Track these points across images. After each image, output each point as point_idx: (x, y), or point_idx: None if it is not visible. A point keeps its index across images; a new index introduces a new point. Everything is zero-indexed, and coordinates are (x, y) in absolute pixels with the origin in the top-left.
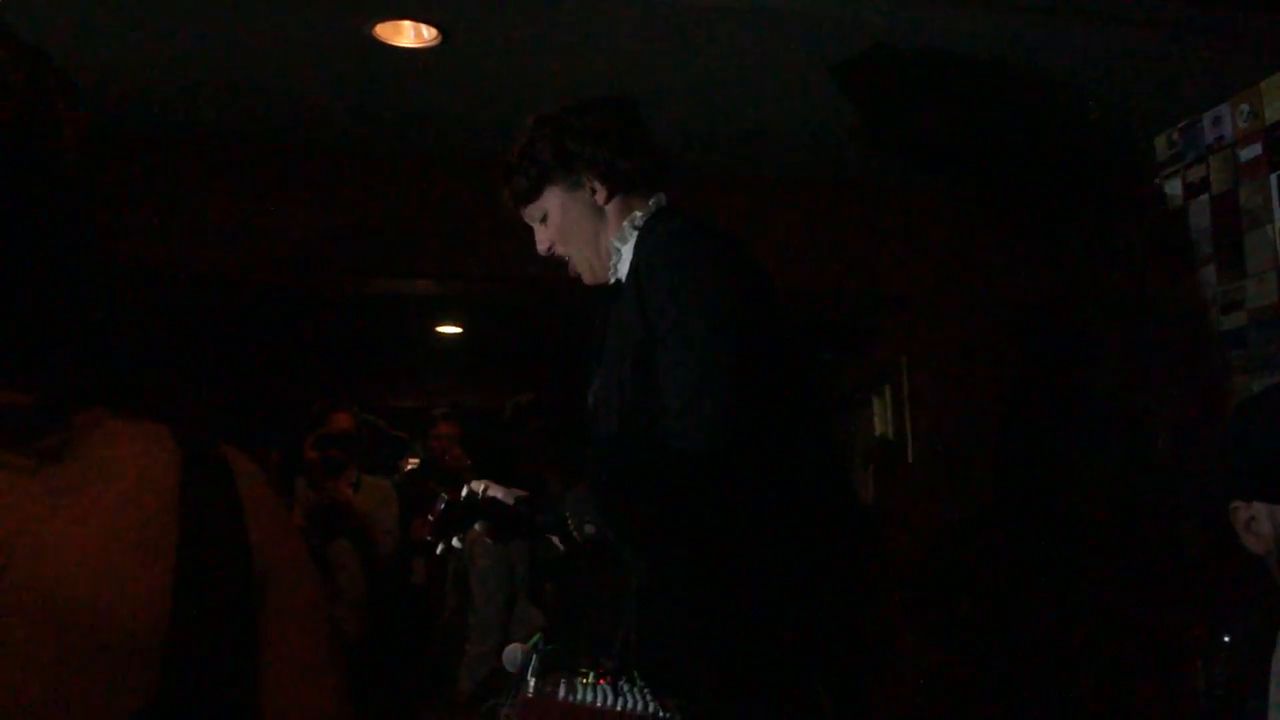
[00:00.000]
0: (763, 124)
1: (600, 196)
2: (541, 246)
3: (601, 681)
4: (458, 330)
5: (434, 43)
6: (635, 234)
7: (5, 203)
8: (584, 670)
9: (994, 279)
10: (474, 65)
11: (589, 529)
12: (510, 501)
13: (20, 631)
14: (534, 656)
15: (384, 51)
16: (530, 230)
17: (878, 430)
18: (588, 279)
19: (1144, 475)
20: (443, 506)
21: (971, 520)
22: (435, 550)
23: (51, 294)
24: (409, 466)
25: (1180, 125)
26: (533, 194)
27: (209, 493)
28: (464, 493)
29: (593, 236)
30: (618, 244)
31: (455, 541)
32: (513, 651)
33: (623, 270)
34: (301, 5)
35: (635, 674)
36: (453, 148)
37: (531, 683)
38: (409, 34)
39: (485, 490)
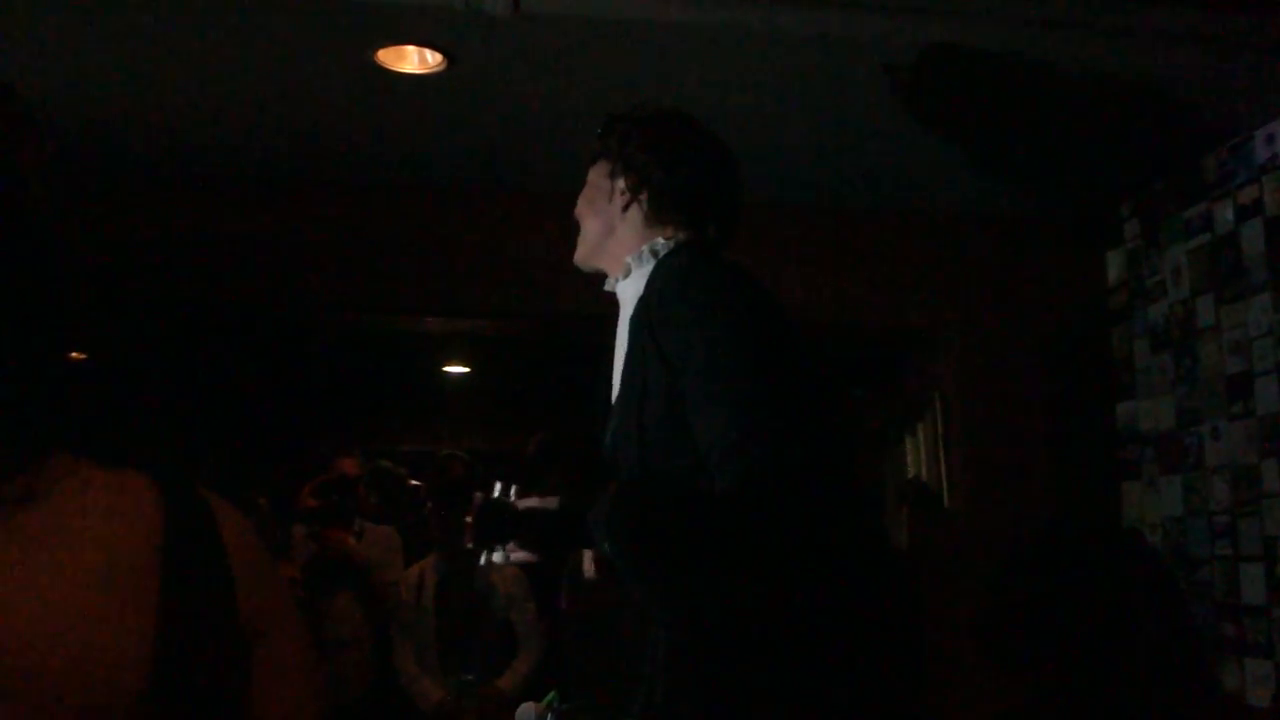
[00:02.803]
0: (781, 149)
1: (620, 199)
2: (577, 208)
3: None
4: (465, 370)
5: (439, 68)
6: (652, 262)
7: None
8: None
9: (1032, 309)
10: (482, 92)
11: (606, 548)
12: (553, 507)
13: None
14: (549, 716)
15: (387, 78)
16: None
17: (911, 472)
18: (576, 255)
19: (1198, 518)
20: (480, 504)
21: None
22: (478, 560)
23: (12, 331)
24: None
25: (1230, 144)
26: (592, 158)
27: (193, 547)
28: (495, 491)
29: (604, 226)
30: (632, 263)
31: (497, 555)
32: (526, 711)
33: (624, 291)
34: (300, 31)
35: None
36: (459, 178)
37: None
38: (413, 59)
39: (516, 497)
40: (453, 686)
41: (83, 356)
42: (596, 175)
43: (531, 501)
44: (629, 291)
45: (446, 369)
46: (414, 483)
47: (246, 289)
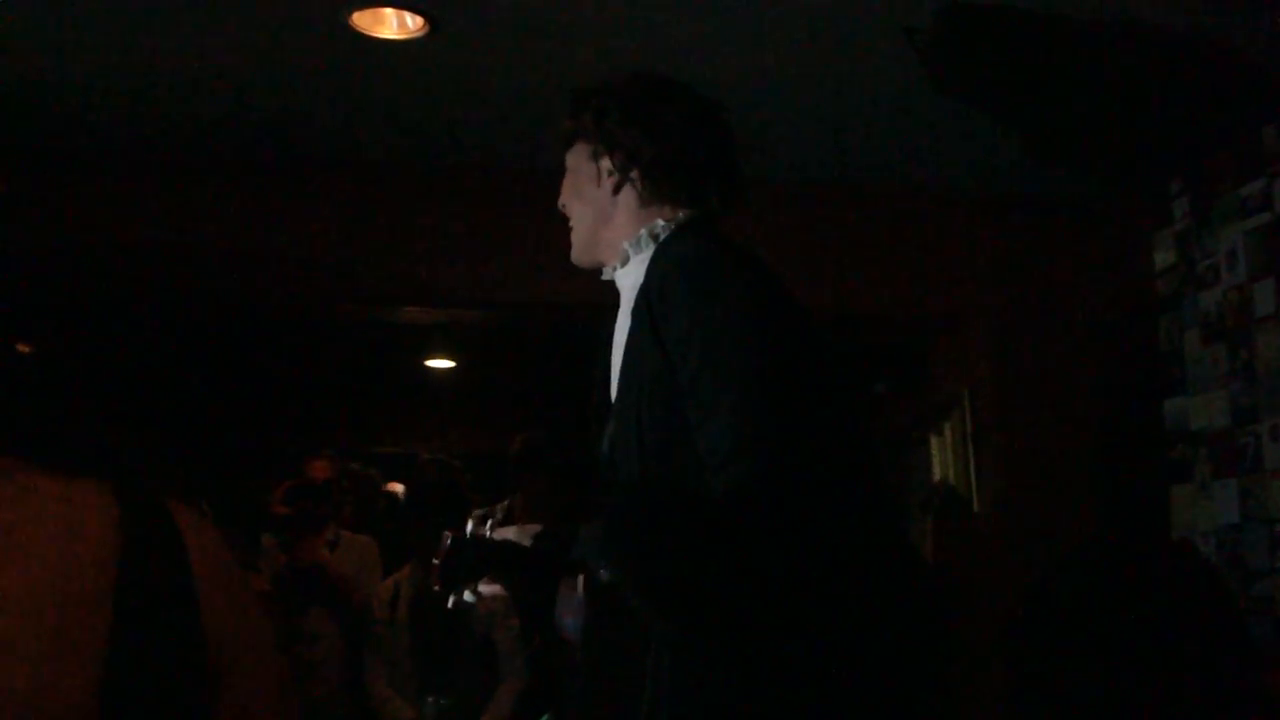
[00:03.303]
0: (794, 123)
1: (609, 181)
2: (560, 198)
3: None
4: (450, 364)
5: (420, 33)
6: (652, 247)
7: None
8: None
9: (1071, 297)
10: (466, 59)
11: (604, 575)
12: (527, 542)
13: None
14: None
15: (363, 43)
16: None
17: (937, 474)
18: (573, 253)
19: (1256, 526)
20: (449, 543)
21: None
22: (446, 603)
23: None
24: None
25: None
26: (567, 141)
27: (154, 573)
28: (469, 529)
29: (596, 214)
30: (630, 250)
31: (468, 594)
32: None
33: (624, 280)
34: None
35: None
36: (443, 155)
37: None
38: (391, 23)
39: (492, 528)
40: (427, 709)
41: (28, 349)
42: (576, 159)
43: (508, 533)
44: (629, 280)
45: (429, 363)
46: (395, 486)
47: (210, 276)
